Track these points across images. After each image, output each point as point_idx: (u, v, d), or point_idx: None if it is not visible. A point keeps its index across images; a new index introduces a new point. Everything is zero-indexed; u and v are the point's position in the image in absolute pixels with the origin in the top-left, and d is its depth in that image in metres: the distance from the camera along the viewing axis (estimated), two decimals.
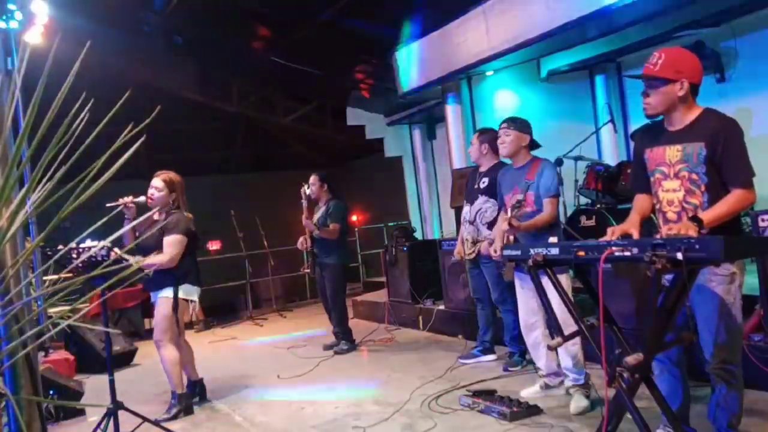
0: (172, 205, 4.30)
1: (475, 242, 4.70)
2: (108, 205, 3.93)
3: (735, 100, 5.67)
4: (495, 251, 4.02)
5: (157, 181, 4.31)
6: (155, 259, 4.03)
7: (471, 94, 7.30)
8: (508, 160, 4.20)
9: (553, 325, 2.75)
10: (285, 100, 11.22)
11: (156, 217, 4.30)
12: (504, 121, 4.00)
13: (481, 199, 4.68)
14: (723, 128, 2.54)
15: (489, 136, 4.75)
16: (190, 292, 4.27)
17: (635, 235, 2.58)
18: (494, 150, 4.78)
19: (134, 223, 3.99)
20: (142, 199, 4.16)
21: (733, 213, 2.53)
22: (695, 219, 2.40)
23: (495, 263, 4.57)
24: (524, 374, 4.41)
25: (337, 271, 5.93)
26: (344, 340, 5.95)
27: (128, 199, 4.08)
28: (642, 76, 2.63)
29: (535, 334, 3.93)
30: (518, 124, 3.96)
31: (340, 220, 5.85)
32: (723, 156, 2.51)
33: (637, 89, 2.72)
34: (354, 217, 10.88)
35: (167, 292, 4.18)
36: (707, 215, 2.44)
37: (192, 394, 4.50)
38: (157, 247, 4.11)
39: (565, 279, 3.49)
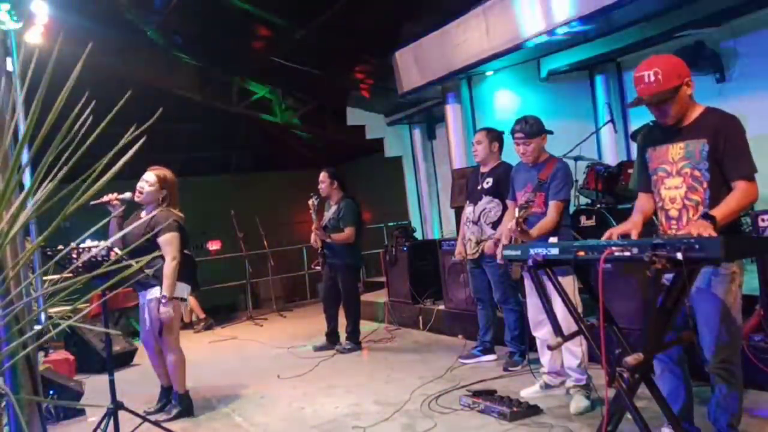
0: (162, 202, 4.20)
1: (478, 242, 4.70)
2: (92, 203, 3.89)
3: (735, 100, 5.67)
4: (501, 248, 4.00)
5: (150, 175, 4.21)
6: (167, 270, 3.99)
7: (471, 94, 7.30)
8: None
9: (553, 325, 2.75)
10: (285, 100, 11.21)
11: (143, 214, 4.23)
12: (516, 131, 3.90)
13: (485, 199, 4.67)
14: (725, 124, 2.56)
15: (497, 135, 4.74)
16: (180, 290, 4.18)
17: (633, 236, 2.58)
18: (500, 150, 4.78)
19: (116, 212, 3.91)
20: (127, 195, 4.06)
21: (742, 208, 2.54)
22: (708, 216, 2.39)
23: (498, 262, 4.57)
24: (524, 374, 4.40)
25: (348, 273, 5.91)
26: (350, 340, 5.94)
27: (113, 196, 3.99)
28: (653, 98, 2.58)
29: (543, 332, 3.92)
30: (532, 128, 3.87)
31: (354, 222, 5.79)
32: (725, 151, 2.53)
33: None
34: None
35: (155, 292, 4.10)
36: (719, 212, 2.42)
37: (168, 401, 4.38)
38: (145, 244, 3.98)
39: (570, 281, 3.47)
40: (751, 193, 2.52)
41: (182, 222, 4.22)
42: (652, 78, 2.58)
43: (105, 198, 3.96)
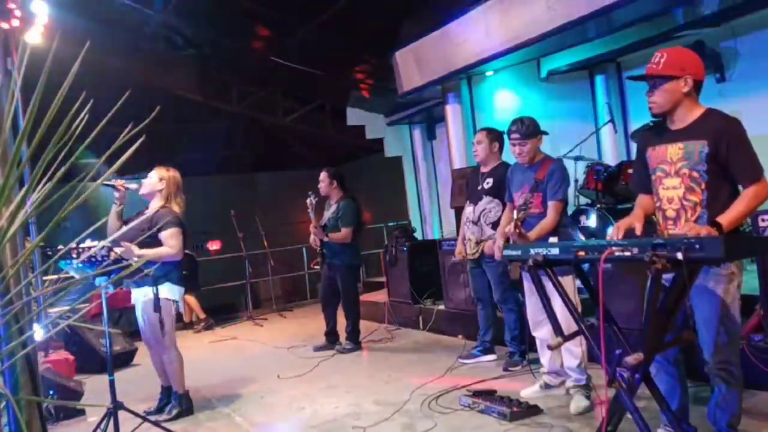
0: (161, 196, 4.25)
1: (478, 242, 4.70)
2: (104, 183, 3.91)
3: (735, 100, 5.66)
4: (499, 249, 4.01)
5: (151, 172, 4.34)
6: (161, 251, 4.00)
7: (471, 94, 7.29)
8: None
9: (553, 325, 2.74)
10: (285, 100, 11.22)
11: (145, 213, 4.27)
12: (513, 132, 3.91)
13: (486, 199, 4.67)
14: (726, 128, 2.56)
15: (498, 135, 4.74)
16: (172, 292, 4.15)
17: (638, 228, 2.59)
18: (500, 150, 4.78)
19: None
20: (133, 185, 4.20)
21: (751, 210, 2.56)
22: (715, 224, 2.39)
23: (498, 262, 4.57)
24: (524, 374, 4.40)
25: (346, 273, 5.90)
26: (350, 340, 5.94)
27: (121, 181, 4.15)
28: (645, 76, 2.64)
29: (542, 332, 3.92)
30: (528, 129, 3.88)
31: (352, 222, 5.78)
32: (730, 155, 2.53)
33: (637, 89, 2.74)
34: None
35: (147, 292, 4.09)
36: (726, 218, 2.43)
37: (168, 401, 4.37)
38: (147, 241, 4.00)
39: (570, 281, 3.47)
40: (762, 195, 2.52)
41: (182, 220, 4.24)
42: (657, 59, 2.61)
43: (114, 181, 4.11)
